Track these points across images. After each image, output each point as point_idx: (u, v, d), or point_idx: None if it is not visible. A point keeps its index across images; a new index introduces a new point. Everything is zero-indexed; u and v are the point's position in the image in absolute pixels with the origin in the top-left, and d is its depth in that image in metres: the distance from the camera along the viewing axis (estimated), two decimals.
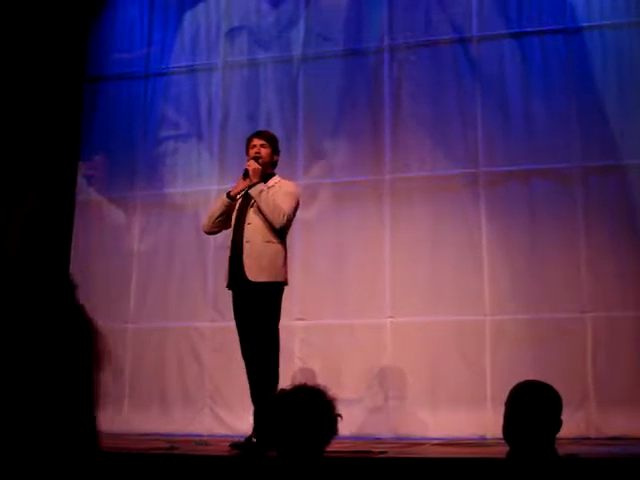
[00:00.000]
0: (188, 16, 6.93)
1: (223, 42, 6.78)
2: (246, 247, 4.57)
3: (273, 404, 2.36)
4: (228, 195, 4.79)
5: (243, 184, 4.74)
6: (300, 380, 5.58)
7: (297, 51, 6.56)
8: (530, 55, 6.05)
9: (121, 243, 6.71)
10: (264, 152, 4.78)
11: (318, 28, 6.53)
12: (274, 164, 4.89)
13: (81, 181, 6.93)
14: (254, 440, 4.33)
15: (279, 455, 2.37)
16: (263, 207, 4.58)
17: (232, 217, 4.75)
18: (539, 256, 5.75)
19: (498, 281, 5.78)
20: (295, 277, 6.11)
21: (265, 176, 4.75)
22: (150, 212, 6.69)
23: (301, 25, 6.59)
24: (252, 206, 4.65)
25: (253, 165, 4.69)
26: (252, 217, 4.64)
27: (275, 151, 4.88)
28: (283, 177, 4.94)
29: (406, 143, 6.19)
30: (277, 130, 6.38)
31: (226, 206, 4.77)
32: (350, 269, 6.12)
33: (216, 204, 4.90)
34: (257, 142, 4.81)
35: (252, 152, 4.77)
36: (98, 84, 7.06)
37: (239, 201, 4.76)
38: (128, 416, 6.33)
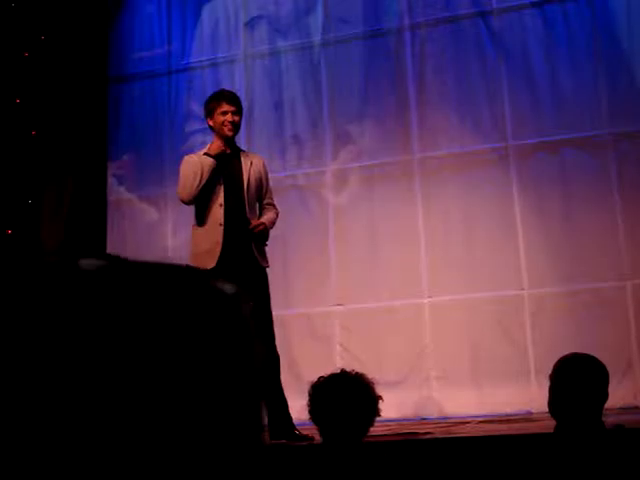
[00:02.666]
0: (206, 9, 6.93)
1: (243, 33, 6.77)
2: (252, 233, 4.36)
3: (313, 393, 2.36)
4: (212, 157, 4.41)
5: (220, 148, 4.43)
6: (341, 366, 5.62)
7: (317, 36, 6.53)
8: (553, 23, 5.97)
9: (155, 240, 6.75)
10: (237, 119, 4.50)
11: (337, 12, 6.49)
12: None
13: (111, 181, 6.99)
14: (297, 432, 4.25)
15: (324, 441, 2.38)
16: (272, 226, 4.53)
17: (217, 190, 4.41)
18: (575, 226, 5.69)
19: (534, 254, 5.73)
20: (331, 263, 6.15)
21: (233, 147, 4.54)
22: (181, 207, 6.69)
23: (319, 10, 6.55)
24: (247, 187, 4.43)
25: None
26: (251, 196, 4.46)
27: (242, 116, 4.61)
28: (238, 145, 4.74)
29: (433, 121, 6.15)
30: (302, 117, 6.40)
31: (213, 169, 4.40)
32: (385, 251, 6.11)
33: (199, 167, 4.38)
34: (229, 109, 4.47)
35: (224, 119, 4.44)
36: (122, 84, 7.09)
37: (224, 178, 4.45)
38: None
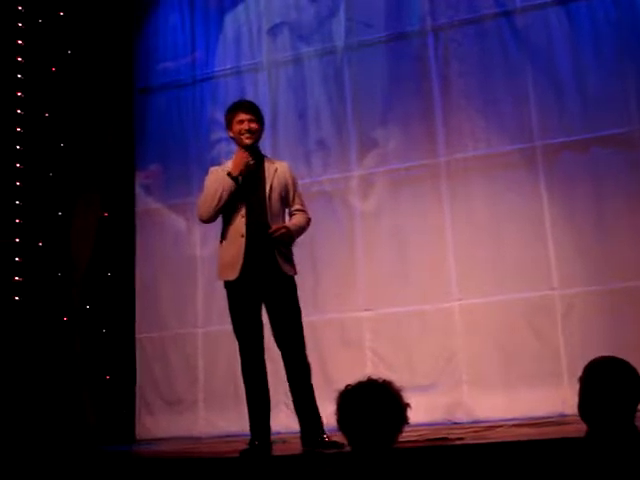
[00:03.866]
0: (229, 18, 6.97)
1: (266, 40, 6.80)
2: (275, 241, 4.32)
3: (340, 401, 2.36)
4: (233, 178, 4.37)
5: (243, 161, 4.39)
6: (372, 371, 5.60)
7: (340, 41, 6.53)
8: (578, 21, 5.90)
9: (183, 249, 6.79)
10: (254, 127, 4.45)
11: (359, 16, 6.48)
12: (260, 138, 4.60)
13: (139, 191, 7.04)
14: (326, 438, 4.22)
15: (353, 449, 2.38)
16: (298, 236, 4.47)
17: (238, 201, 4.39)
18: (605, 225, 5.62)
19: (564, 254, 5.67)
20: (359, 268, 6.14)
21: (257, 155, 4.50)
22: None
23: (341, 15, 6.55)
24: (269, 195, 4.40)
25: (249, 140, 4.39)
26: (274, 205, 4.42)
27: (263, 125, 4.56)
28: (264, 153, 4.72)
29: (458, 123, 6.11)
30: (327, 122, 6.40)
31: (232, 189, 4.37)
32: (413, 255, 6.08)
33: (220, 187, 4.37)
34: (245, 117, 4.46)
35: (241, 128, 4.43)
36: (147, 95, 7.16)
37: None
38: (204, 419, 6.43)
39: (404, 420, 2.35)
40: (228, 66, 6.91)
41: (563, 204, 5.77)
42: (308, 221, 4.57)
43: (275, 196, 4.42)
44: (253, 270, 4.29)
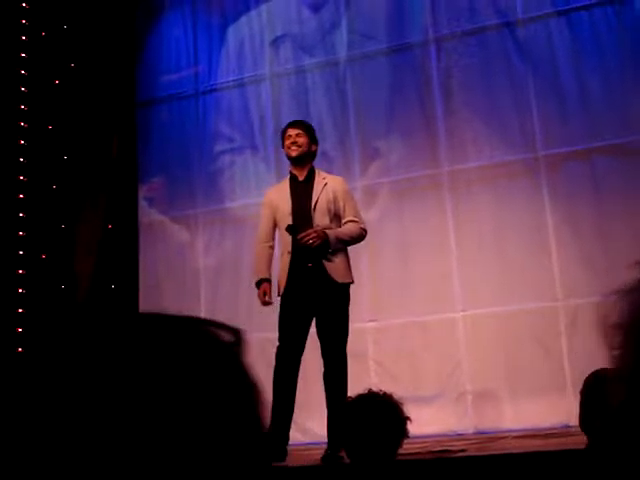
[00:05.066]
0: (231, 30, 6.99)
1: (268, 52, 6.81)
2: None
3: (341, 414, 2.35)
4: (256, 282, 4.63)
5: (259, 298, 4.58)
6: (375, 383, 5.58)
7: (342, 53, 6.54)
8: (579, 31, 5.91)
9: (187, 261, 6.79)
10: (301, 141, 4.57)
11: (361, 28, 6.50)
12: (313, 155, 4.70)
13: (142, 203, 7.05)
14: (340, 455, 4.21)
15: (352, 462, 2.37)
16: (347, 244, 4.50)
17: (286, 222, 4.51)
18: (608, 235, 5.60)
19: (568, 264, 5.65)
20: (363, 279, 6.09)
21: (308, 171, 4.59)
22: (212, 227, 6.76)
23: (343, 27, 6.57)
24: (315, 209, 4.49)
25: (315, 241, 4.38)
26: (319, 219, 4.49)
27: (313, 140, 4.66)
28: (321, 169, 4.80)
29: (461, 134, 6.11)
30: (330, 134, 6.39)
31: None
32: (417, 266, 6.07)
33: (253, 266, 4.72)
34: (292, 132, 4.61)
35: (288, 142, 4.58)
36: (150, 107, 7.17)
37: (293, 204, 4.53)
38: None
39: (404, 434, 2.34)
40: (231, 78, 6.92)
41: (566, 214, 5.76)
42: (360, 230, 4.57)
43: (321, 211, 4.47)
44: (299, 285, 4.40)
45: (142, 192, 7.08)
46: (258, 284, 4.56)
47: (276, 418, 4.33)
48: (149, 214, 7.02)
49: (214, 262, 6.71)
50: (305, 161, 4.59)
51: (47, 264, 6.72)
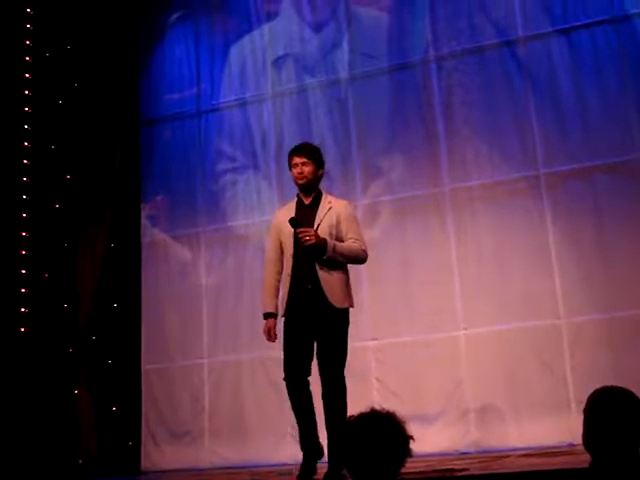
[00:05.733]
0: (233, 50, 7.03)
1: (270, 72, 6.85)
2: (321, 274, 4.36)
3: (342, 433, 2.33)
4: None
5: (265, 331, 4.57)
6: (378, 401, 5.57)
7: (344, 72, 6.58)
8: (579, 49, 5.94)
9: (189, 280, 6.80)
10: (307, 170, 4.55)
11: (362, 47, 6.53)
12: (320, 179, 4.68)
13: (145, 222, 7.07)
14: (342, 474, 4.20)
15: None
16: (345, 258, 4.46)
17: (288, 244, 4.52)
18: (610, 253, 5.60)
19: (570, 282, 5.65)
20: (364, 297, 6.09)
21: (314, 195, 4.60)
22: (214, 246, 6.77)
23: (345, 46, 6.61)
24: (318, 228, 4.44)
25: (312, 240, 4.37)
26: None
27: (319, 165, 4.64)
28: (328, 192, 4.80)
29: (462, 152, 6.13)
30: (331, 152, 6.40)
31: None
32: (418, 284, 6.07)
33: (262, 297, 4.65)
34: (298, 160, 4.59)
35: (295, 171, 4.57)
36: (153, 127, 7.21)
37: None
38: (210, 451, 6.40)
39: (407, 453, 2.32)
40: (233, 97, 6.96)
41: (568, 232, 5.76)
42: (360, 249, 4.51)
43: (322, 234, 4.42)
44: (300, 307, 4.39)
45: (144, 211, 7.10)
46: (265, 316, 4.57)
47: (304, 437, 4.41)
48: (151, 233, 7.04)
49: (216, 281, 6.71)
50: (312, 188, 4.61)
51: (50, 283, 6.72)
